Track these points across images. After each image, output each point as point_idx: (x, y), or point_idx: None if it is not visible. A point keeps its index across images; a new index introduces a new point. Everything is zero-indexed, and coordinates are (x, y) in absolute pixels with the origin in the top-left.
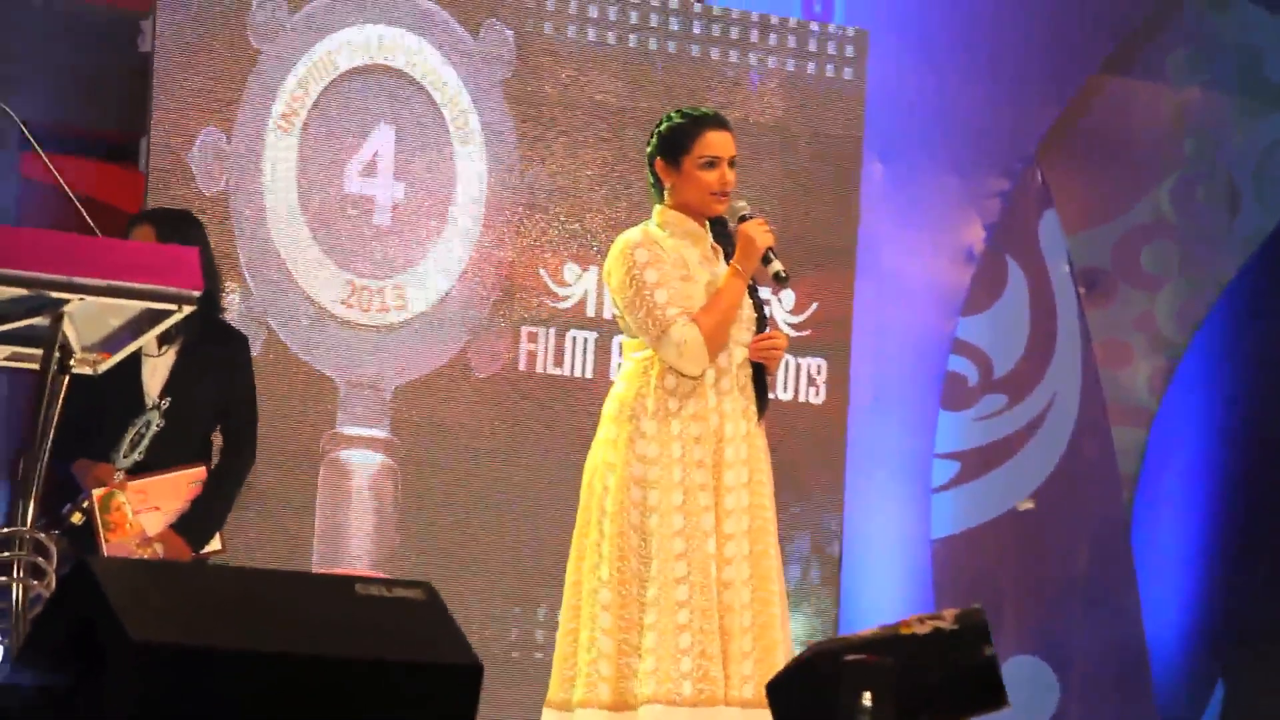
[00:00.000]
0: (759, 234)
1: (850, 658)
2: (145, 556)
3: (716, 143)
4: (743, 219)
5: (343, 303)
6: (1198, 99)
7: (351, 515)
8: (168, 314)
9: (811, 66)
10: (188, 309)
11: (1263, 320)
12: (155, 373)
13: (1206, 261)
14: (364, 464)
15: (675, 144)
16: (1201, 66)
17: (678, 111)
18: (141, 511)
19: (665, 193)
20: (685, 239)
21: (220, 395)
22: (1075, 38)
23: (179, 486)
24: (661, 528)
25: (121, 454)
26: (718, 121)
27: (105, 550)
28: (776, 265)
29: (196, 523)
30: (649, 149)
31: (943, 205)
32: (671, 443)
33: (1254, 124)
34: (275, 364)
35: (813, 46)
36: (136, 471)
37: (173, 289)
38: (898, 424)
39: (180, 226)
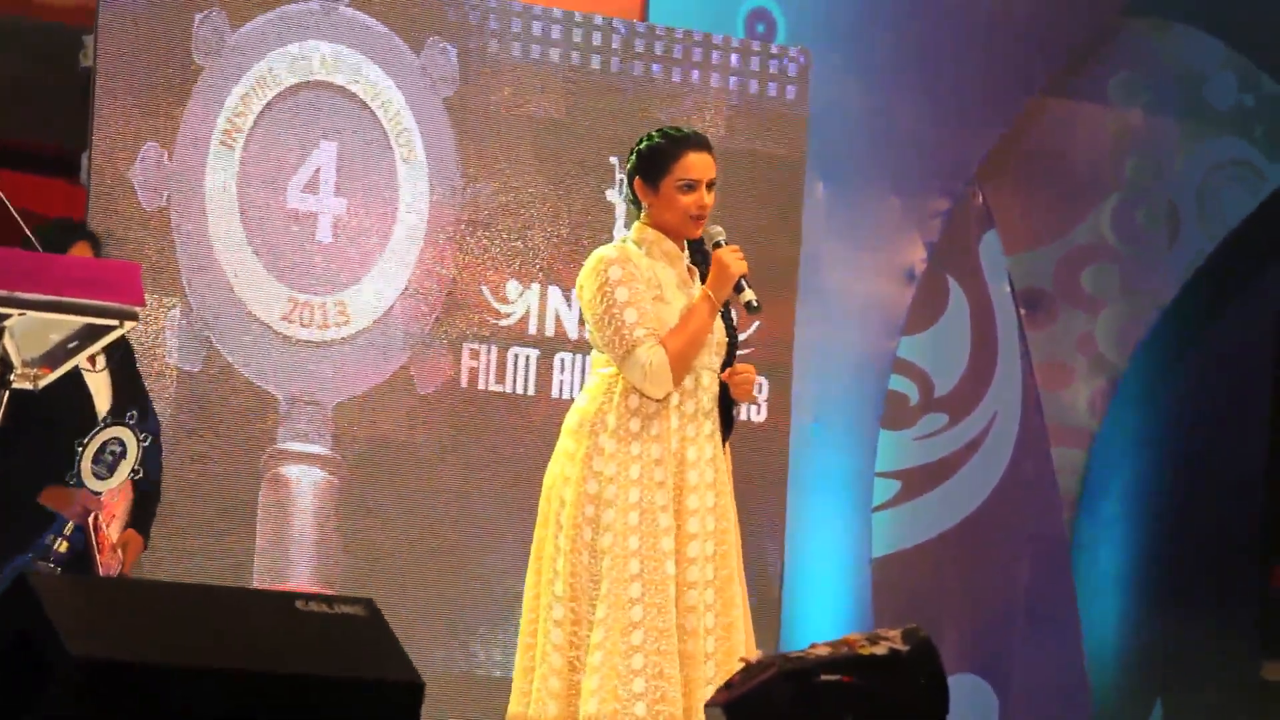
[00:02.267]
0: (733, 261)
1: (825, 678)
2: (116, 561)
3: (695, 165)
4: (717, 245)
5: (284, 318)
6: (1139, 122)
7: (293, 531)
8: (109, 329)
9: (754, 86)
10: (129, 324)
11: (1202, 342)
12: (99, 388)
13: (1147, 283)
14: (305, 480)
15: (654, 165)
16: (1143, 89)
17: (659, 131)
18: (109, 524)
19: (643, 212)
20: (662, 259)
21: (138, 400)
22: (1017, 60)
23: (122, 489)
24: (615, 547)
25: (90, 475)
26: (698, 143)
27: (100, 572)
28: (749, 294)
29: (145, 520)
30: (628, 166)
31: (884, 225)
32: (630, 463)
33: (1194, 147)
34: (217, 379)
35: (755, 66)
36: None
37: (115, 304)
38: (839, 443)
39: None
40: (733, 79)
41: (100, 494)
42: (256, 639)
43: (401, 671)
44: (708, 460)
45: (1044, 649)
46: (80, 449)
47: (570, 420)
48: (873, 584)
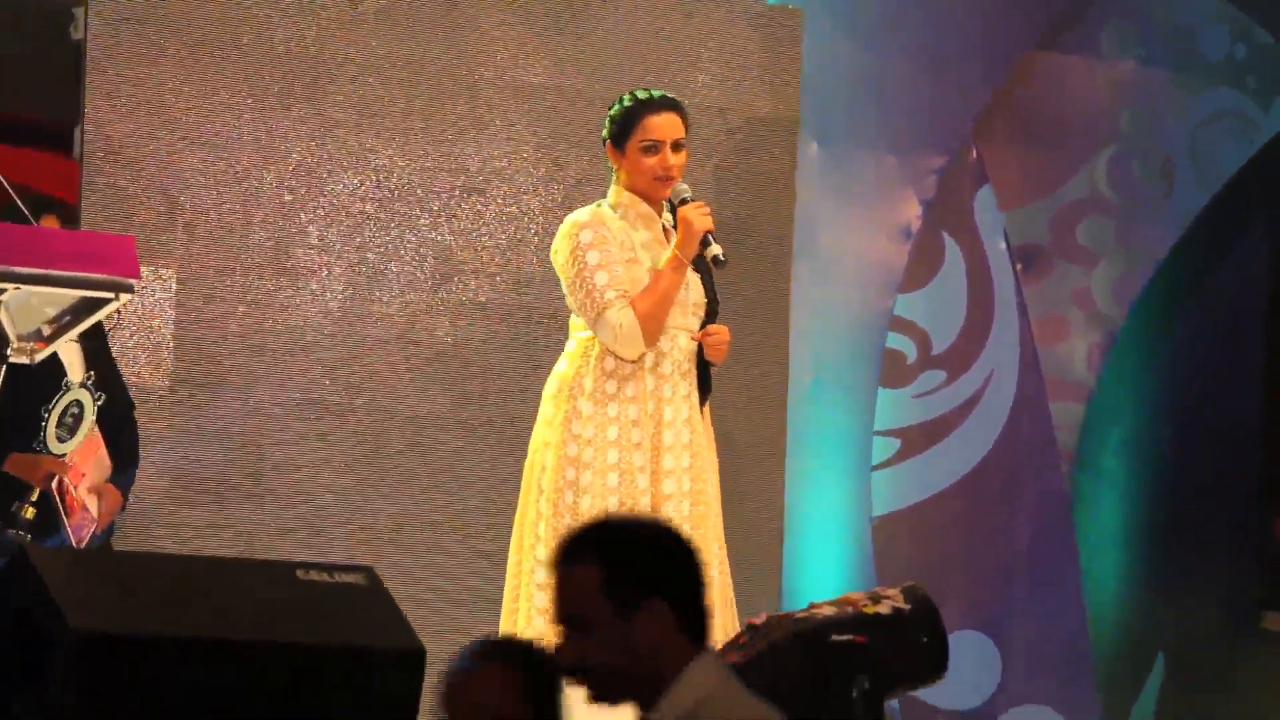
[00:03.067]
0: (697, 217)
1: (838, 638)
2: (89, 519)
3: (657, 126)
4: (683, 202)
5: (277, 287)
6: (1132, 75)
7: (293, 500)
8: (105, 301)
9: (746, 46)
10: (125, 297)
11: (1198, 295)
12: (72, 359)
13: (1142, 236)
14: (304, 448)
15: (620, 128)
16: (1135, 42)
17: (627, 95)
18: (78, 485)
19: (616, 175)
20: (638, 221)
21: (107, 370)
22: (1009, 14)
23: (90, 448)
24: (594, 509)
25: (53, 438)
26: (661, 104)
27: (71, 534)
28: (715, 248)
29: (125, 478)
30: (602, 132)
31: (879, 183)
32: (608, 425)
33: (1188, 99)
34: (213, 349)
35: (748, 26)
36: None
37: (110, 277)
38: (837, 402)
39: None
40: (725, 41)
41: (62, 456)
42: (258, 609)
43: (403, 639)
44: (684, 420)
45: (1045, 604)
46: (45, 415)
47: (549, 385)
48: (873, 543)
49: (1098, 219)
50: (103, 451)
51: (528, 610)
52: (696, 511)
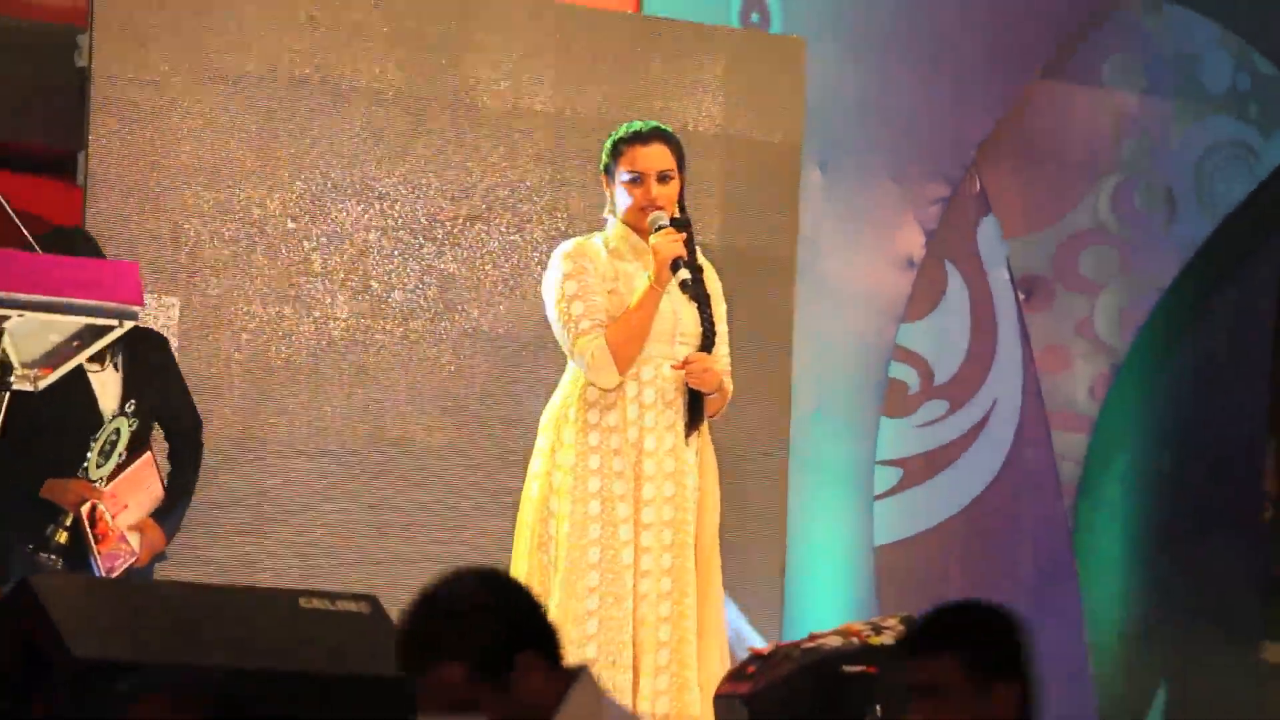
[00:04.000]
0: (665, 245)
1: (850, 669)
2: (126, 550)
3: (640, 158)
4: (658, 229)
5: (281, 314)
6: (1134, 104)
7: (297, 527)
8: (109, 329)
9: (750, 75)
10: (129, 324)
11: (1201, 324)
12: (105, 387)
13: (1145, 266)
14: (306, 477)
15: (608, 160)
16: (1138, 71)
17: (624, 125)
18: (117, 514)
19: (613, 205)
20: (629, 252)
21: (161, 395)
22: (1012, 44)
23: (138, 479)
24: (573, 536)
25: (94, 465)
26: (649, 136)
27: (100, 562)
28: (683, 274)
29: (169, 512)
30: (600, 164)
31: (882, 212)
32: (589, 454)
33: (1190, 128)
34: (216, 376)
35: (752, 55)
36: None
37: (114, 304)
38: (840, 431)
39: (94, 245)
40: (729, 69)
41: (96, 482)
42: (260, 637)
43: None
44: (667, 450)
45: (1047, 633)
46: (93, 443)
47: (543, 417)
48: (875, 572)
49: (1100, 248)
50: (155, 483)
51: None
52: (678, 540)
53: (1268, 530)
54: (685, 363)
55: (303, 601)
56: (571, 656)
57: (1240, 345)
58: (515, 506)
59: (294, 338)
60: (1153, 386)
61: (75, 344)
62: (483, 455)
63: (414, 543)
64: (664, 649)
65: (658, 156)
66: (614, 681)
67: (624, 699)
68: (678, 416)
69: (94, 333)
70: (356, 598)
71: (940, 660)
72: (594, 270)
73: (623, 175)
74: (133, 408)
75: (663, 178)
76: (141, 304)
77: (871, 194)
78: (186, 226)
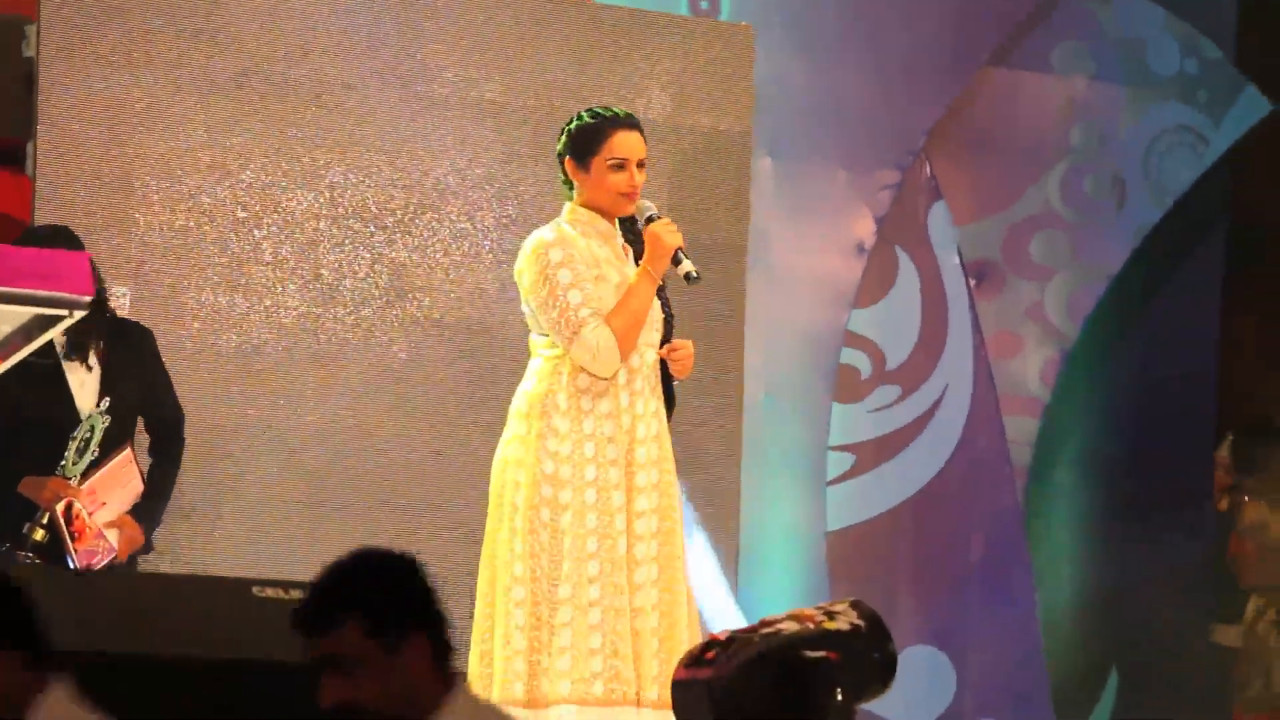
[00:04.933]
0: (667, 234)
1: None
2: (105, 547)
3: (624, 144)
4: (650, 219)
5: (233, 304)
6: (1083, 90)
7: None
8: (59, 319)
9: (699, 62)
10: (79, 314)
11: (1151, 309)
12: (84, 385)
13: (1095, 251)
14: (260, 468)
15: (584, 145)
16: (1087, 58)
17: (588, 111)
18: (94, 511)
19: (574, 191)
20: (596, 238)
21: (143, 389)
22: (961, 31)
23: (116, 475)
24: (574, 526)
25: (70, 463)
26: (627, 123)
27: (76, 558)
28: (687, 265)
29: (148, 508)
30: (559, 147)
31: (832, 199)
32: (585, 441)
33: (1140, 114)
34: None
35: (701, 42)
36: (85, 474)
37: (64, 294)
38: (791, 417)
39: (76, 240)
40: (678, 57)
41: (71, 479)
42: (213, 626)
43: None
44: (653, 436)
45: (999, 618)
46: (70, 441)
47: (518, 403)
48: (828, 558)
49: (1051, 234)
50: (134, 479)
51: (507, 628)
52: (664, 527)
53: (1217, 513)
54: (672, 349)
55: (256, 590)
56: (577, 647)
57: (1191, 329)
58: (467, 493)
59: (244, 326)
60: (1103, 371)
61: (24, 335)
62: (435, 442)
63: (363, 529)
64: (655, 636)
65: (638, 143)
66: (617, 671)
67: (628, 688)
68: (660, 403)
69: (44, 323)
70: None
71: (342, 629)
72: (580, 258)
73: (605, 159)
74: (107, 405)
75: (641, 165)
76: (93, 294)
77: (822, 181)
78: (136, 216)
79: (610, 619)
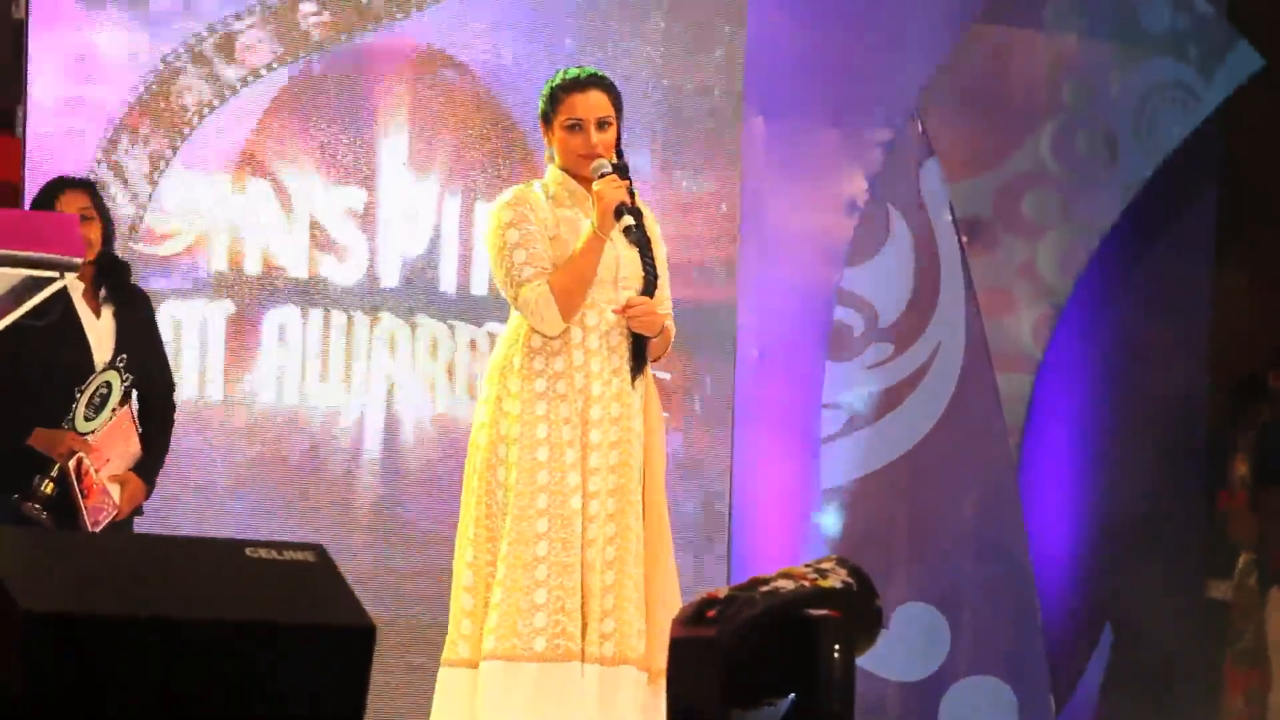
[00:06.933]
0: (609, 191)
1: (815, 613)
2: (109, 504)
3: (581, 104)
4: (601, 176)
5: (220, 272)
6: (1075, 47)
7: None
8: (49, 281)
9: (691, 21)
10: (70, 275)
11: (1143, 265)
12: (102, 338)
13: (1087, 208)
14: (235, 441)
15: (548, 107)
16: (1078, 14)
17: (558, 73)
18: (100, 468)
19: (552, 153)
20: (567, 199)
21: (144, 352)
22: None
23: (119, 432)
24: (521, 482)
25: (82, 417)
26: (585, 83)
27: (86, 514)
28: (627, 220)
29: (149, 467)
30: (538, 111)
31: (824, 157)
32: (536, 400)
33: (1131, 70)
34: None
35: (692, 3)
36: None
37: (53, 256)
38: (785, 375)
39: (99, 193)
40: (670, 16)
41: (86, 435)
42: (206, 587)
43: (353, 616)
44: (613, 395)
45: (993, 575)
46: (79, 394)
47: (488, 367)
48: (822, 514)
49: (1043, 191)
50: (133, 437)
51: (455, 587)
52: (621, 485)
53: (1210, 469)
54: (627, 307)
55: (249, 551)
56: (519, 602)
57: (1183, 286)
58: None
59: (237, 294)
60: (1096, 328)
61: (14, 297)
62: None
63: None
64: (608, 593)
65: (596, 103)
66: (562, 626)
67: (573, 644)
68: (622, 361)
69: (35, 285)
70: (303, 547)
71: None
72: (535, 218)
73: (562, 122)
74: (124, 362)
75: (601, 124)
76: (83, 255)
77: (814, 140)
78: (128, 178)
79: (556, 574)
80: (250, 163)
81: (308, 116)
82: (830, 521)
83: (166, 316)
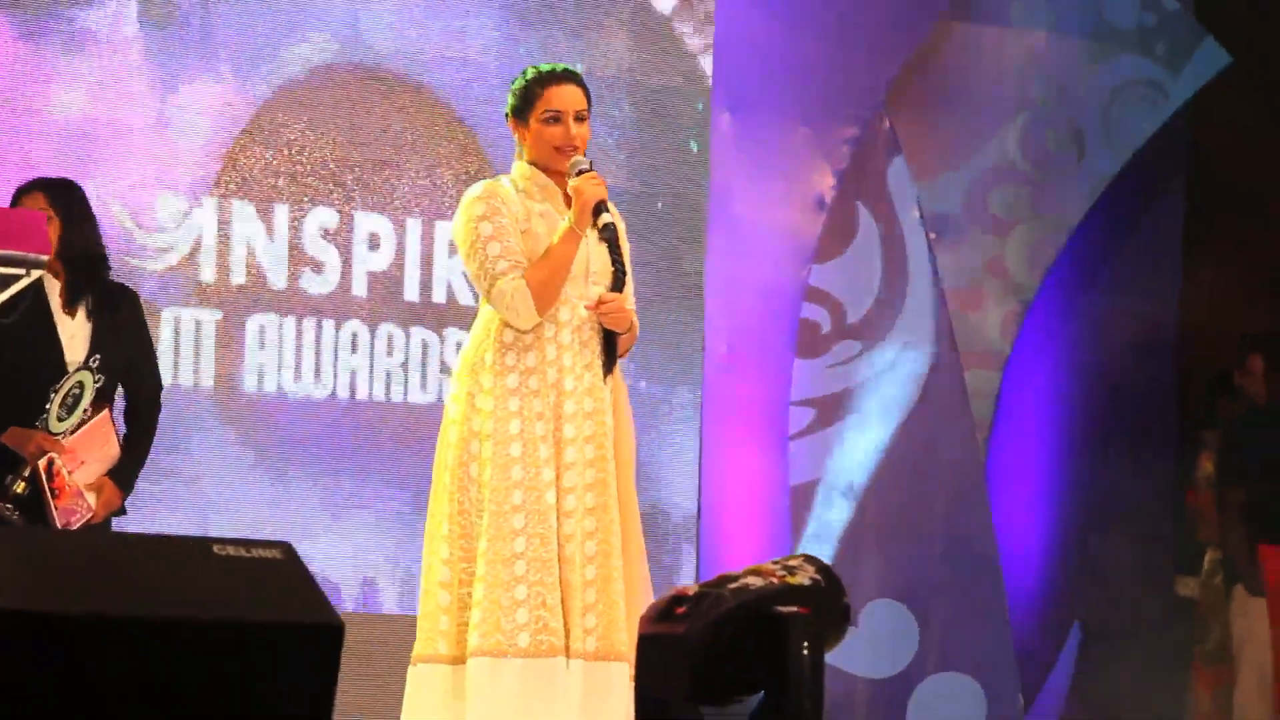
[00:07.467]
0: (589, 188)
1: (784, 610)
2: (84, 506)
3: (559, 97)
4: (579, 174)
5: (186, 261)
6: (1042, 43)
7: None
8: (16, 278)
9: (658, 17)
10: (36, 273)
11: (1111, 261)
12: (75, 337)
13: (1055, 204)
14: (211, 433)
15: (522, 101)
16: (1044, 10)
17: (530, 68)
18: (74, 470)
19: (522, 149)
20: (538, 194)
21: (128, 353)
22: None
23: (96, 436)
24: (496, 479)
25: (55, 418)
26: (561, 77)
27: (56, 515)
28: (605, 218)
29: (126, 471)
30: (505, 108)
31: (792, 154)
32: (509, 396)
33: (1098, 67)
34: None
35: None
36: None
37: (20, 253)
38: (753, 372)
39: (65, 194)
40: (636, 12)
41: (58, 435)
42: (173, 585)
43: (320, 614)
44: (586, 390)
45: (961, 573)
46: (53, 394)
47: (458, 363)
48: (792, 511)
49: (1010, 187)
50: (112, 439)
51: (431, 585)
52: (599, 479)
53: (1179, 464)
54: (600, 303)
55: (217, 548)
56: (500, 598)
57: (1151, 282)
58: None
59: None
60: (1064, 324)
61: None
62: (411, 404)
63: (325, 489)
64: (590, 588)
65: (574, 96)
66: (544, 622)
67: (556, 639)
68: (594, 356)
69: (2, 282)
70: (270, 545)
71: None
72: (507, 211)
73: (539, 114)
74: (98, 362)
75: (579, 118)
76: (50, 253)
77: (781, 136)
78: (100, 173)
79: (536, 570)
80: (236, 184)
81: (285, 140)
82: (799, 518)
83: (169, 318)
